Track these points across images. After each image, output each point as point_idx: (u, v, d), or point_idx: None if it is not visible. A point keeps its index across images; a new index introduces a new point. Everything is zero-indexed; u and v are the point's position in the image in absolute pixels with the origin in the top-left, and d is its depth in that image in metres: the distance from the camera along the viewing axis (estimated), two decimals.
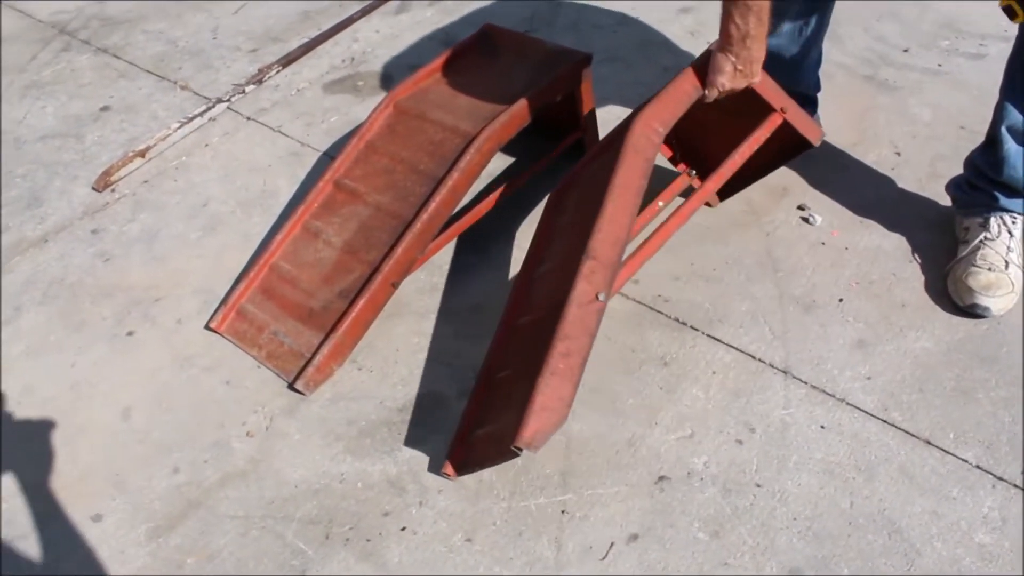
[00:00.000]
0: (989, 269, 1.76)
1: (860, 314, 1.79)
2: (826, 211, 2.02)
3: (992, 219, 1.82)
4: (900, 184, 2.08)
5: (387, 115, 2.00)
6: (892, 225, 1.97)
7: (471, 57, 2.14)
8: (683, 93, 1.66)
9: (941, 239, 1.92)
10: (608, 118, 2.23)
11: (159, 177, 2.28)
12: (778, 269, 1.89)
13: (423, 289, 1.92)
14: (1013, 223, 1.82)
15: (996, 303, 1.74)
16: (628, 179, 1.53)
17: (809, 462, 1.54)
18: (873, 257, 1.91)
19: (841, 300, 1.82)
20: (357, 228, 1.86)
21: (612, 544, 1.46)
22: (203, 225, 2.12)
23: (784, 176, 2.11)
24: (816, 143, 1.82)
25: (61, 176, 2.32)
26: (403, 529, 1.50)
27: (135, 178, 2.28)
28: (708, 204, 2.06)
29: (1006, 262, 1.77)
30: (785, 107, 1.77)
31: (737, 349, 1.74)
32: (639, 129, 1.59)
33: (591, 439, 1.61)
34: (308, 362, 1.73)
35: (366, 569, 1.45)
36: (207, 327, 1.86)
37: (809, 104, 2.12)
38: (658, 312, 1.82)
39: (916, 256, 1.90)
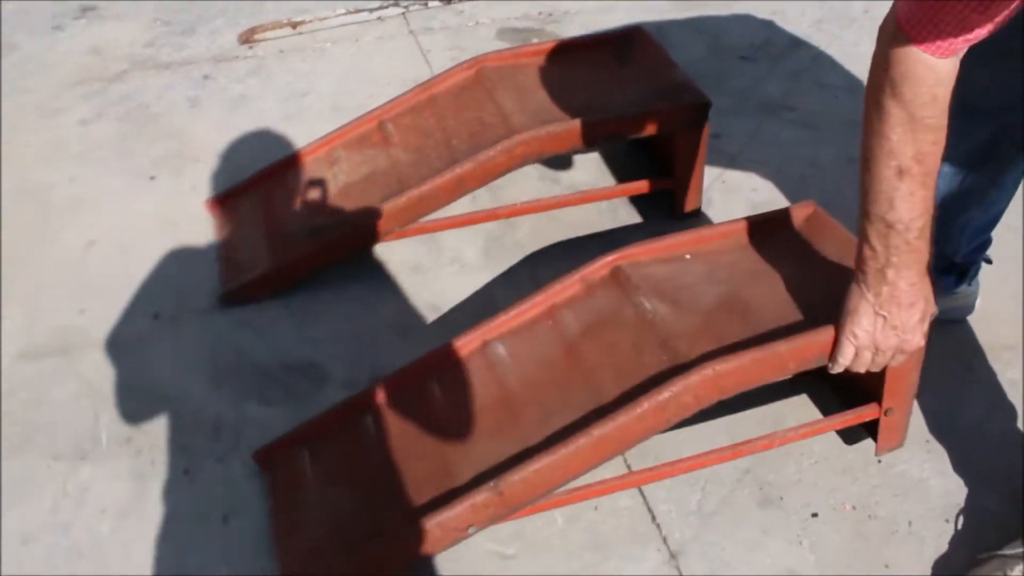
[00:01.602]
0: None
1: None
2: None
3: None
4: None
5: (465, 76, 1.82)
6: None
7: (597, 53, 1.87)
8: (777, 359, 1.17)
9: None
10: (741, 185, 1.89)
11: (294, 53, 2.29)
12: None
13: (407, 263, 1.75)
14: None
15: None
16: (623, 433, 1.14)
17: None
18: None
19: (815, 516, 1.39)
20: (365, 175, 1.74)
21: None
22: (288, 112, 2.11)
23: None
24: (879, 453, 1.40)
25: (226, 18, 2.42)
26: None
27: (275, 45, 2.32)
28: None
29: None
30: (892, 409, 1.32)
31: None
32: (694, 382, 1.12)
33: None
34: (247, 275, 1.67)
35: None
36: (205, 202, 1.85)
37: (954, 271, 1.60)
38: None
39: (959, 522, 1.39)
